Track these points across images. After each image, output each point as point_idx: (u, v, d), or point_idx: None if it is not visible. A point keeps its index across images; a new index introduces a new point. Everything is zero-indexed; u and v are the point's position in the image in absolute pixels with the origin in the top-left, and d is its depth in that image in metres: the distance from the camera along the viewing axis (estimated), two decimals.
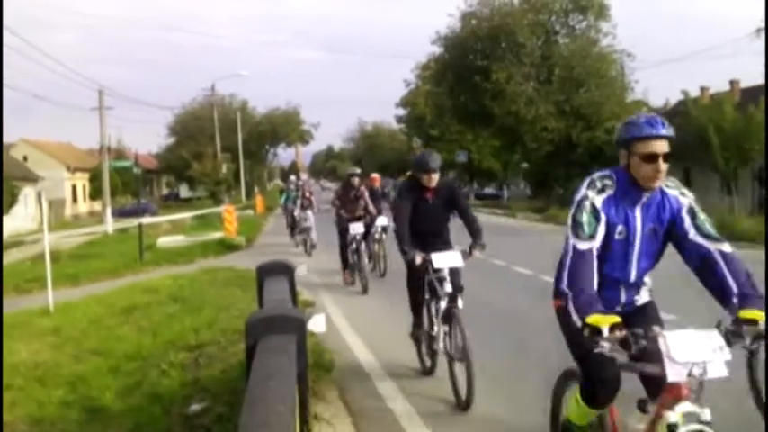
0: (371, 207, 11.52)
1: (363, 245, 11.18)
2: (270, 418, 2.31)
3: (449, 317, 5.17)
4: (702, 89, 33.31)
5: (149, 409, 5.50)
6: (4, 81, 28.16)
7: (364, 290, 10.25)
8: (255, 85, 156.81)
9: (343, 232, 11.26)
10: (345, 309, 9.14)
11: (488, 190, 54.46)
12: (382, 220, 11.70)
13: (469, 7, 37.07)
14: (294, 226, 18.51)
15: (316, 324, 4.54)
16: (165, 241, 19.75)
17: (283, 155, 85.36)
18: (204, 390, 5.53)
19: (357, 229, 10.94)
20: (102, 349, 7.75)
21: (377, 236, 11.77)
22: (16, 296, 13.02)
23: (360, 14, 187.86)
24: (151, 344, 7.58)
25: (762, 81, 27.61)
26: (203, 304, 9.31)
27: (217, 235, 20.70)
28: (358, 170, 12.26)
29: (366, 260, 11.49)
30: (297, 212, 17.80)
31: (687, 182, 28.45)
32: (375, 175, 14.63)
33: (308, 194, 17.28)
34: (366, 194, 11.62)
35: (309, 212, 16.50)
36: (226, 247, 18.73)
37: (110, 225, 28.30)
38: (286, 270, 5.17)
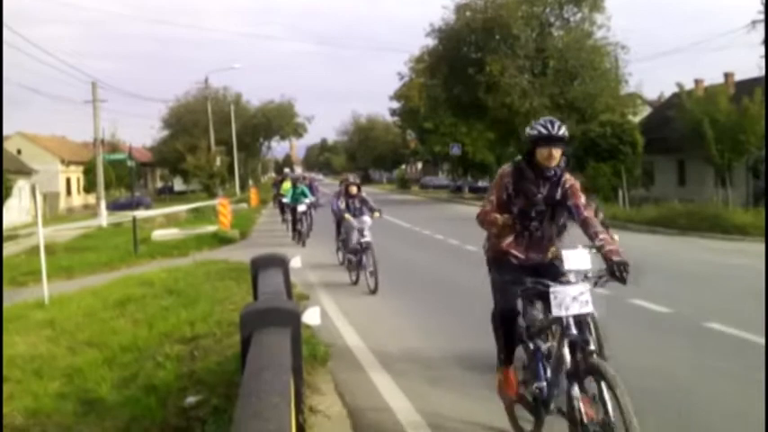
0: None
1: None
2: (264, 410, 2.33)
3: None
4: (697, 81, 33.40)
5: (145, 401, 5.50)
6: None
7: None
8: (249, 78, 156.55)
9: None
10: (342, 302, 9.18)
11: (482, 183, 54.52)
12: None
13: None
14: (299, 227, 17.00)
15: (310, 317, 4.58)
16: (159, 234, 19.74)
17: (277, 148, 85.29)
18: (200, 382, 5.53)
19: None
20: (97, 341, 7.73)
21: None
22: (12, 289, 13.00)
23: (353, 7, 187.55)
24: (146, 336, 7.56)
25: (757, 74, 27.71)
26: (198, 297, 9.29)
27: (211, 228, 20.70)
28: (352, 178, 11.79)
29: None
30: (302, 208, 16.87)
31: (681, 174, 28.77)
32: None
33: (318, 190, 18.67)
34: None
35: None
36: (220, 240, 18.73)
37: (104, 218, 28.26)
38: (280, 263, 5.19)
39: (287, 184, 19.89)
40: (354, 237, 10.58)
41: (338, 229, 12.30)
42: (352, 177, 11.90)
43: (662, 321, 7.51)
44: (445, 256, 14.23)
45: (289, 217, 18.65)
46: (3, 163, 28.77)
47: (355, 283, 10.56)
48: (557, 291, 3.56)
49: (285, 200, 18.45)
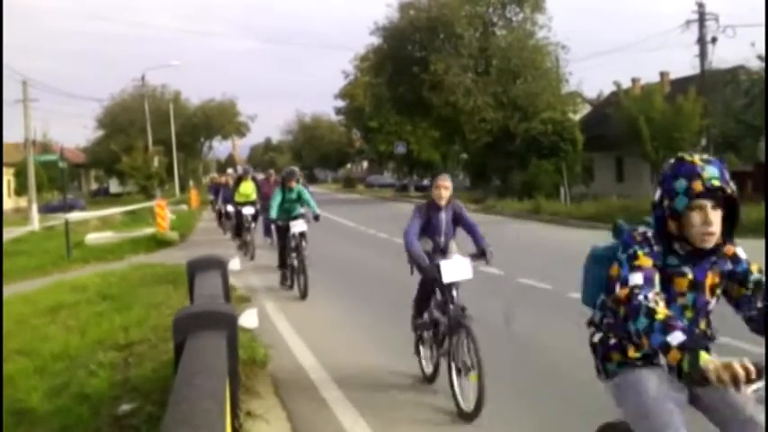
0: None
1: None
2: (195, 415, 2.24)
3: None
4: (634, 80, 34.41)
5: (77, 410, 5.33)
6: None
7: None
8: (189, 76, 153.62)
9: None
10: (283, 305, 9.04)
11: (427, 181, 54.91)
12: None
13: None
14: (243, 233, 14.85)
15: (247, 319, 4.46)
16: (93, 238, 19.11)
17: (220, 148, 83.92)
18: (134, 389, 5.39)
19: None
20: (28, 349, 7.52)
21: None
22: None
23: (297, 4, 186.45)
24: (79, 343, 7.36)
25: (690, 72, 28.69)
26: (133, 302, 9.07)
27: (148, 231, 20.18)
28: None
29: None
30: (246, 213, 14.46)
31: (619, 170, 29.57)
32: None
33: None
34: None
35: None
36: (158, 243, 18.26)
37: (36, 222, 27.27)
38: (218, 265, 5.04)
39: (248, 185, 15.25)
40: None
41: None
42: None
43: None
44: (386, 253, 14.20)
45: (250, 237, 14.16)
46: (3, 162, 27.73)
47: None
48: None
49: (272, 215, 10.19)
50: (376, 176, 67.62)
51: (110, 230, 21.61)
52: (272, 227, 11.98)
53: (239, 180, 15.73)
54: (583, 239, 16.87)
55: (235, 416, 3.34)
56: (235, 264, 6.03)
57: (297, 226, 9.74)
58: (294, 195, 10.14)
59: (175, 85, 72.74)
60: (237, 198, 15.11)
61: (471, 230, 5.41)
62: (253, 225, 14.35)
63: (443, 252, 5.35)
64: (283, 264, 10.15)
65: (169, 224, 19.77)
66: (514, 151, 31.97)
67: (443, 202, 5.29)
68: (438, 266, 4.91)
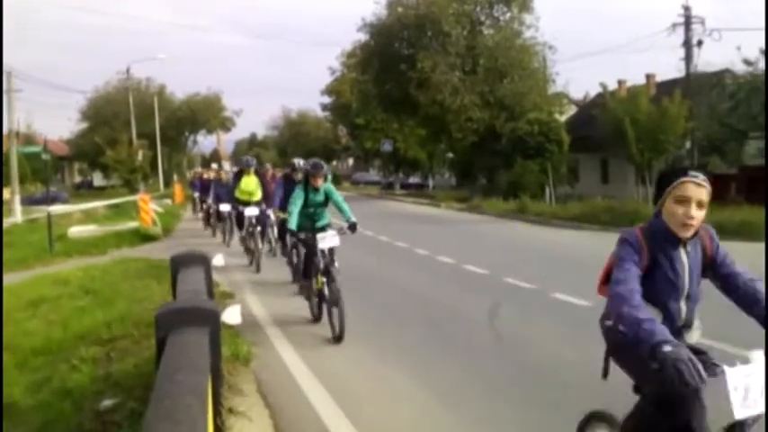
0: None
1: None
2: (176, 411, 2.23)
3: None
4: (620, 82, 34.64)
5: (59, 406, 5.31)
6: None
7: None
8: (174, 69, 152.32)
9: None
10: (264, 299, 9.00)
11: (414, 179, 54.98)
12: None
13: None
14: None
15: (230, 316, 4.44)
16: (76, 231, 18.90)
17: (204, 142, 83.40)
18: (116, 385, 5.36)
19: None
20: (9, 344, 7.40)
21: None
22: None
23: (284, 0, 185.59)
24: (61, 338, 7.30)
25: (676, 75, 28.91)
26: (116, 297, 8.99)
27: (132, 225, 20.00)
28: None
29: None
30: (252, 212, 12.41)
31: (604, 172, 29.76)
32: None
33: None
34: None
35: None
36: (141, 237, 18.10)
37: (18, 214, 27.00)
38: (202, 261, 5.01)
39: (251, 181, 12.90)
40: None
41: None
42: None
43: (583, 314, 7.67)
44: (372, 251, 14.22)
45: (254, 244, 11.90)
46: (3, 161, 27.42)
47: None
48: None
49: (291, 225, 7.46)
50: (362, 174, 67.50)
51: (93, 224, 21.40)
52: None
53: (239, 174, 13.17)
54: (567, 240, 17.01)
55: (217, 413, 3.33)
56: (219, 260, 5.99)
57: (326, 240, 7.19)
58: (321, 197, 7.64)
59: (161, 78, 72.32)
60: (239, 196, 12.81)
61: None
62: (258, 229, 12.09)
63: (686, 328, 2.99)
64: (308, 289, 7.60)
65: (155, 218, 19.60)
66: (500, 151, 32.07)
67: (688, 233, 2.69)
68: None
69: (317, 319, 7.29)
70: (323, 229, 7.59)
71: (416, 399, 4.97)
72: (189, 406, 2.29)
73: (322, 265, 7.05)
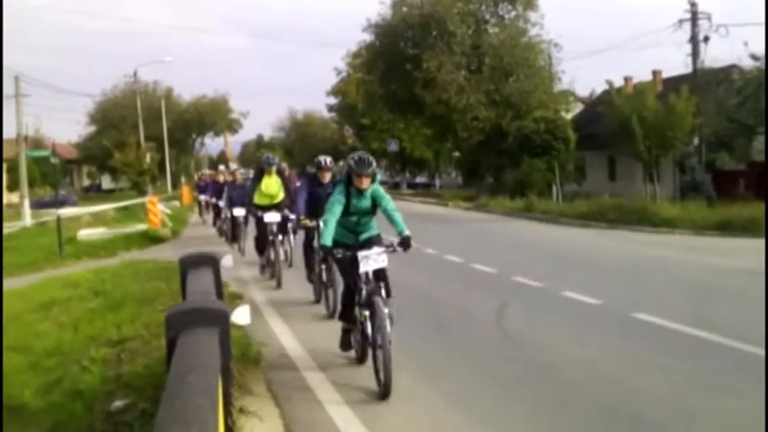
0: None
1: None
2: (188, 412, 2.25)
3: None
4: (626, 79, 34.46)
5: (70, 407, 5.35)
6: None
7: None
8: (181, 72, 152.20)
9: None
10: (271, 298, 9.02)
11: (420, 179, 55.01)
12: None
13: None
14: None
15: (239, 316, 4.46)
16: (85, 234, 19.02)
17: (212, 144, 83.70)
18: (127, 386, 5.40)
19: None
20: (21, 346, 7.54)
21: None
22: None
23: (289, 0, 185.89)
24: (72, 339, 7.38)
25: (683, 71, 28.78)
26: (126, 298, 9.04)
27: (141, 227, 20.10)
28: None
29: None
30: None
31: (611, 169, 29.67)
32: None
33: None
34: None
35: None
36: (150, 239, 18.20)
37: (28, 217, 27.15)
38: (211, 262, 5.04)
39: (273, 182, 10.86)
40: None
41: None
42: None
43: (592, 312, 7.68)
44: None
45: (274, 254, 10.34)
46: (3, 162, 27.57)
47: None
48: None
49: (325, 241, 5.55)
50: None
51: (102, 226, 21.52)
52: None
53: (260, 174, 10.97)
54: (575, 238, 16.98)
55: (227, 413, 3.35)
56: (228, 261, 6.01)
57: (371, 260, 5.55)
58: (367, 203, 5.76)
59: (167, 81, 72.52)
60: (259, 200, 10.84)
61: None
62: (279, 238, 10.46)
63: None
64: (348, 321, 5.91)
65: (164, 219, 19.68)
66: (507, 149, 32.03)
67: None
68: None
69: (360, 359, 5.77)
70: (368, 244, 5.73)
71: (425, 398, 4.98)
72: (200, 407, 2.31)
73: (365, 294, 5.49)
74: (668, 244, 14.51)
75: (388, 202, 5.77)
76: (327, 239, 5.47)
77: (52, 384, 6.12)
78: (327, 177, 8.29)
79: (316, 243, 8.02)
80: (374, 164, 5.61)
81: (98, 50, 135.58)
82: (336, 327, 6.10)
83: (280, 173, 11.02)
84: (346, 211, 5.67)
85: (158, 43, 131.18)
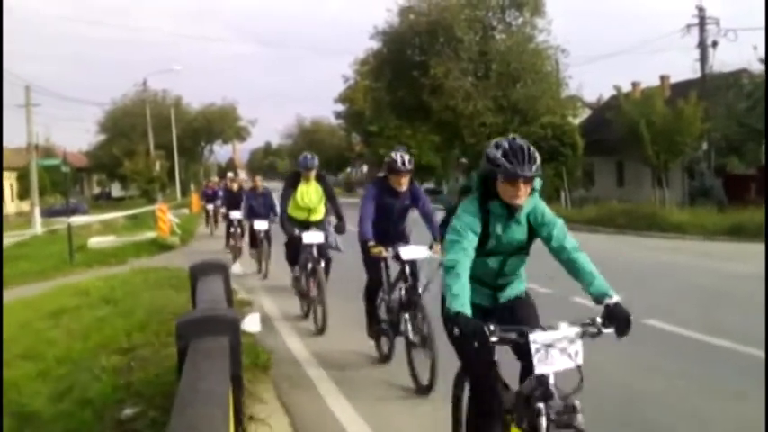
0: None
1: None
2: (200, 421, 2.26)
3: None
4: (634, 84, 34.39)
5: (80, 415, 5.34)
6: None
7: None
8: (189, 80, 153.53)
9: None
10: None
11: (428, 185, 55.00)
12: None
13: (407, 2, 37.22)
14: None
15: (250, 324, 4.48)
16: (96, 242, 19.13)
17: (220, 152, 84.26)
18: (137, 394, 5.38)
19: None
20: (31, 354, 7.52)
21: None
22: None
23: (296, 8, 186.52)
24: (82, 348, 7.34)
25: (691, 76, 28.69)
26: (136, 306, 9.04)
27: (150, 235, 20.18)
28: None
29: None
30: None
31: (620, 175, 29.64)
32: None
33: None
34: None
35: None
36: (159, 246, 18.27)
37: (38, 225, 27.32)
38: (220, 269, 5.06)
39: (312, 190, 8.39)
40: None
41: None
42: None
43: None
44: None
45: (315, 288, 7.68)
46: (2, 163, 27.77)
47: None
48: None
49: (455, 308, 2.94)
50: None
51: (112, 234, 21.62)
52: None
53: (295, 180, 8.40)
54: (583, 243, 16.86)
55: (238, 421, 3.36)
56: (237, 268, 6.03)
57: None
58: (521, 233, 3.49)
59: (176, 89, 73.03)
60: (293, 213, 8.41)
61: None
62: (321, 266, 7.81)
63: None
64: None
65: (174, 227, 19.75)
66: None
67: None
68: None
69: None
70: (515, 311, 3.90)
71: (428, 405, 4.97)
72: (211, 415, 2.32)
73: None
74: (678, 249, 14.44)
75: (566, 234, 3.49)
76: (460, 303, 2.96)
77: (62, 392, 6.10)
78: (405, 183, 5.73)
79: (384, 282, 5.83)
80: (539, 160, 3.10)
81: (107, 60, 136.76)
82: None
83: (320, 179, 8.39)
84: (481, 248, 3.27)
85: (166, 52, 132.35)
